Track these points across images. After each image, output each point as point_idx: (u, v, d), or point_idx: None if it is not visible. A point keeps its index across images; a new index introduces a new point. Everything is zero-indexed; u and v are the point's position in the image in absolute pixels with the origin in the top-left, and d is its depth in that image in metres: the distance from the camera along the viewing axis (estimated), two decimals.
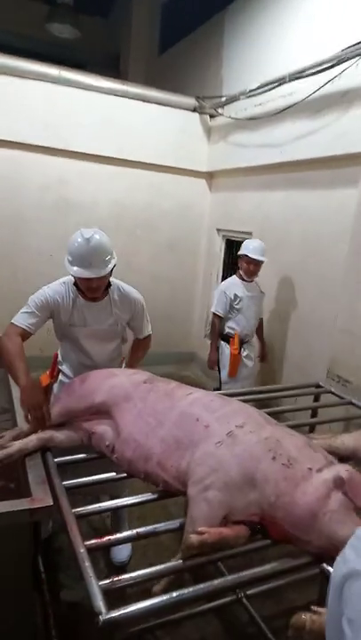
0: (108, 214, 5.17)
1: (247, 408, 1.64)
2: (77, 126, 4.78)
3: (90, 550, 1.29)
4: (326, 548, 1.28)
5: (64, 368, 2.51)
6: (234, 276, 4.00)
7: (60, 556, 2.51)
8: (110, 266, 2.19)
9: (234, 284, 3.92)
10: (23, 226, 4.88)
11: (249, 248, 3.79)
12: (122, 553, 2.51)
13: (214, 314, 3.95)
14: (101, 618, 1.08)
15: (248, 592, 2.23)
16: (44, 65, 4.60)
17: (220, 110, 5.08)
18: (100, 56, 8.49)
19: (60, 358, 2.54)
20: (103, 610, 1.10)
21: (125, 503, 1.66)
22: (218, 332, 3.98)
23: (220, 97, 5.00)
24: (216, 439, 1.45)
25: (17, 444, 1.76)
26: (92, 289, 2.21)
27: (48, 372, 2.50)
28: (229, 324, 3.94)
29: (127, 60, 7.71)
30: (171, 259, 5.65)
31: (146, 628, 2.07)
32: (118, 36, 8.04)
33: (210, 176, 5.60)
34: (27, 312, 2.21)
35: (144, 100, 5.04)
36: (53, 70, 4.62)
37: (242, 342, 3.92)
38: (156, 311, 5.66)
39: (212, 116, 5.31)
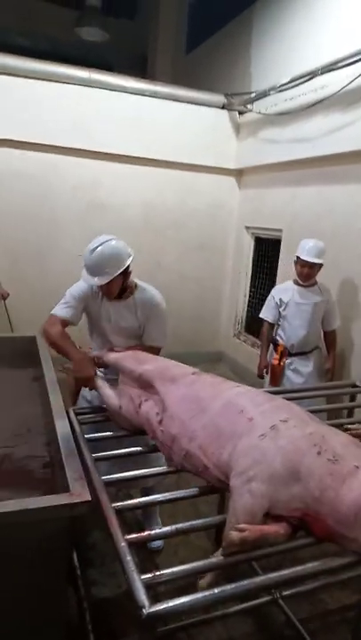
0: (138, 215, 5.20)
1: (291, 405, 1.63)
2: (108, 127, 4.82)
3: (129, 544, 1.29)
4: None
5: None
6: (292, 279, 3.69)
7: (93, 552, 2.53)
8: (113, 276, 2.28)
9: (285, 288, 3.64)
10: (55, 227, 4.96)
11: (304, 249, 3.44)
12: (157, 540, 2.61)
13: (262, 319, 3.75)
14: (145, 611, 1.08)
15: (284, 593, 2.20)
16: (74, 68, 4.65)
17: (249, 106, 5.04)
18: (127, 57, 8.57)
19: None
20: (146, 604, 1.09)
21: (162, 499, 1.65)
22: (267, 339, 3.73)
23: (250, 93, 4.96)
24: (259, 432, 1.44)
25: None
26: (103, 290, 2.38)
27: None
28: (279, 330, 3.67)
29: (154, 60, 7.75)
30: (199, 258, 5.64)
31: (180, 626, 2.06)
32: (145, 36, 8.09)
33: (239, 173, 5.56)
34: (64, 304, 2.38)
35: (173, 99, 5.05)
36: (83, 73, 4.67)
37: (288, 353, 3.57)
38: (184, 310, 5.75)
39: (240, 113, 5.28)
